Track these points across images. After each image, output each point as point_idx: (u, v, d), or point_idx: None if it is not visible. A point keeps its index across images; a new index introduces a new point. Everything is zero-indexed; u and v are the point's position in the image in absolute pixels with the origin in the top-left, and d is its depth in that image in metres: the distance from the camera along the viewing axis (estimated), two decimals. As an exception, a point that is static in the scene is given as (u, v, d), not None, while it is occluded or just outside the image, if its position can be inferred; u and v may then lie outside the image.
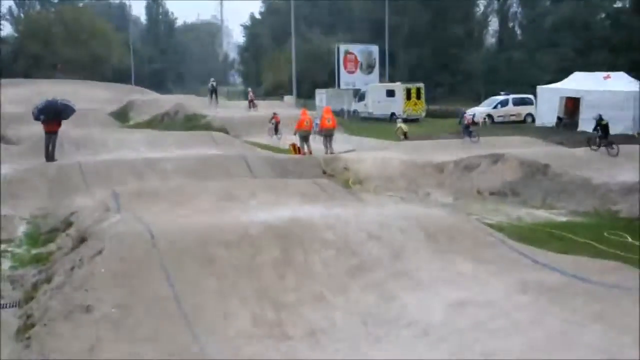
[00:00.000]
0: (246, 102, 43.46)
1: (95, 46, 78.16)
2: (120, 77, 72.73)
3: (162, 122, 39.93)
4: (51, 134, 19.38)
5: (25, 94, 49.87)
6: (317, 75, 68.24)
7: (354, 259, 9.55)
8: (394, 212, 11.60)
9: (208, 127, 33.78)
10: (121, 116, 44.52)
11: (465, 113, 29.94)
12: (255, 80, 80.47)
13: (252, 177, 18.29)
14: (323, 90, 54.25)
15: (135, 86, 66.32)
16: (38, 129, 20.11)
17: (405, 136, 30.41)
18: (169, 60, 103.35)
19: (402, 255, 9.72)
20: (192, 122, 36.76)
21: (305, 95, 40.32)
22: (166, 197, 13.54)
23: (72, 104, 20.19)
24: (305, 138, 23.17)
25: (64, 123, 20.02)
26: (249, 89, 46.81)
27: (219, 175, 17.99)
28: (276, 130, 31.25)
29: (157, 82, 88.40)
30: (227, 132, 31.04)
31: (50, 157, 19.20)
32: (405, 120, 45.83)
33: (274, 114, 32.39)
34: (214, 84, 45.49)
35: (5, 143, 25.98)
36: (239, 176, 18.17)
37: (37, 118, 19.46)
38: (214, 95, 44.26)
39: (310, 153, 22.64)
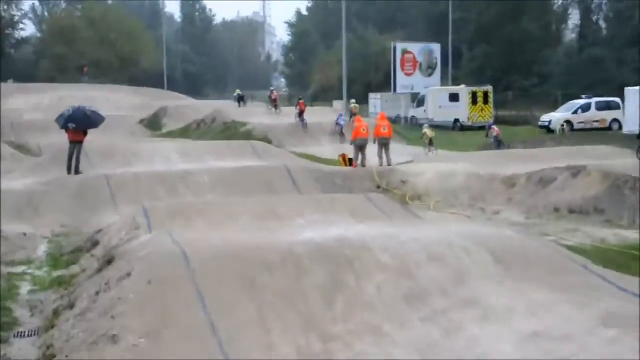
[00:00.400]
0: (294, 109, 44.07)
1: (124, 47, 79.83)
2: (151, 80, 74.15)
3: (197, 130, 40.60)
4: (75, 143, 19.88)
5: (48, 100, 51.39)
6: (370, 78, 68.38)
7: (412, 284, 9.47)
8: (457, 231, 11.47)
9: (248, 135, 34.21)
10: (152, 124, 45.42)
11: (492, 125, 32.49)
12: (301, 84, 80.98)
13: (296, 192, 18.37)
14: (377, 95, 54.36)
15: (168, 91, 67.52)
16: (61, 138, 20.65)
17: (431, 143, 30.50)
18: (205, 61, 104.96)
19: (467, 281, 9.60)
20: (231, 130, 37.25)
21: (357, 100, 40.49)
22: (201, 214, 13.69)
23: (101, 113, 20.82)
24: (361, 148, 23.20)
25: (90, 132, 20.53)
26: (271, 88, 48.56)
27: (260, 190, 18.16)
28: (300, 115, 37.43)
29: (192, 86, 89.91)
30: (269, 142, 31.41)
31: (74, 169, 19.67)
32: (470, 128, 45.63)
33: (299, 99, 38.68)
34: (240, 93, 49.57)
35: (25, 153, 26.75)
36: (281, 191, 18.29)
37: (64, 127, 19.94)
38: (241, 104, 48.24)
39: (363, 166, 22.65)
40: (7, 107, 45.54)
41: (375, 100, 53.29)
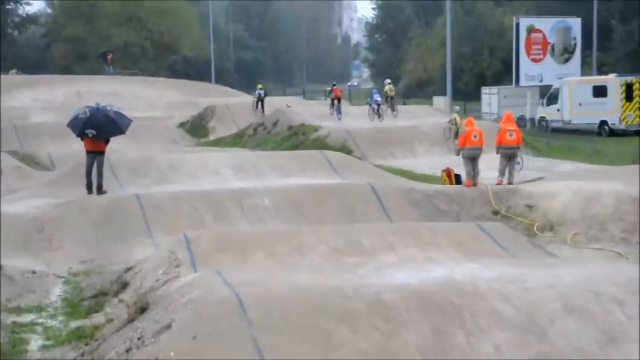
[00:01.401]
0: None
1: (159, 27, 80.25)
2: (195, 71, 75.43)
3: (254, 136, 41.05)
4: (95, 154, 20.29)
5: (62, 96, 52.75)
6: (483, 66, 67.88)
7: (543, 347, 9.40)
8: (605, 274, 11.32)
9: (321, 144, 34.36)
10: (196, 128, 46.10)
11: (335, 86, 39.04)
12: (390, 74, 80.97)
13: (385, 219, 18.40)
14: (493, 89, 53.95)
15: (217, 85, 68.35)
16: (80, 145, 21.06)
17: (457, 136, 30.07)
18: (264, 46, 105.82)
19: (621, 343, 9.47)
20: (299, 137, 37.51)
21: (465, 96, 40.18)
22: (261, 247, 13.87)
23: (127, 115, 21.12)
24: (472, 160, 22.96)
25: (115, 139, 20.94)
26: (333, 84, 47.55)
27: (337, 216, 18.29)
28: (333, 104, 41.93)
29: (248, 79, 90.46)
30: (349, 152, 31.53)
31: (97, 187, 20.13)
32: (623, 133, 44.56)
33: (333, 84, 42.89)
34: (262, 92, 48.38)
35: (33, 165, 27.35)
36: (366, 217, 18.35)
37: (80, 134, 20.26)
38: (259, 106, 47.39)
39: (475, 184, 22.48)
40: (10, 105, 46.87)
41: (490, 96, 52.92)
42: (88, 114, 20.28)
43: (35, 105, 49.18)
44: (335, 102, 42.46)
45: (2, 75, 55.40)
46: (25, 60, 75.94)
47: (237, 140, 41.32)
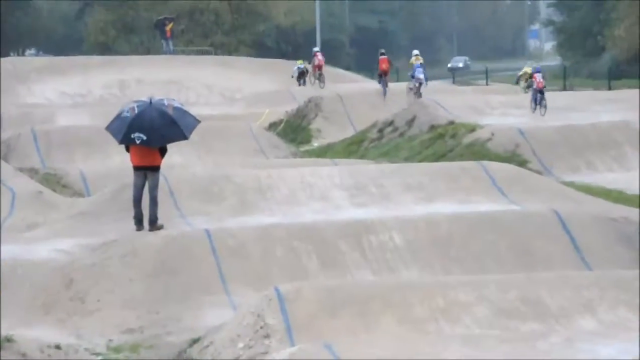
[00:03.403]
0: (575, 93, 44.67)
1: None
2: (293, 47, 75.78)
3: (378, 141, 40.83)
4: (146, 170, 20.45)
5: (100, 87, 53.35)
6: None
7: None
8: None
9: (481, 150, 34.09)
10: (294, 131, 46.27)
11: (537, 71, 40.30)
12: (589, 42, 79.80)
13: (580, 265, 18.16)
14: None
15: (325, 66, 68.66)
16: (124, 159, 21.19)
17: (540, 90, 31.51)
18: (395, 9, 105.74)
19: None
20: (446, 141, 37.23)
21: None
22: (391, 307, 13.81)
23: (191, 112, 21.22)
24: None
25: (176, 149, 21.06)
26: (381, 51, 52.44)
27: (505, 260, 18.14)
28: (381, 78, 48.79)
29: (370, 56, 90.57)
30: (522, 163, 31.14)
31: (149, 220, 20.26)
32: None
33: (381, 53, 50.07)
34: (302, 66, 55.08)
35: (59, 190, 27.69)
36: (549, 261, 18.15)
37: (124, 140, 20.44)
38: (301, 82, 54.78)
39: None
40: (27, 100, 47.74)
41: None
42: (136, 112, 20.13)
43: (63, 101, 49.67)
44: (379, 74, 48.28)
45: (17, 58, 56.49)
46: (48, 36, 77.11)
47: (354, 147, 41.08)
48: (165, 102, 20.72)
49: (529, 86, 43.52)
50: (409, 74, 48.57)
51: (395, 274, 17.73)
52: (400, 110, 42.68)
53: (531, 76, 43.48)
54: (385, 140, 40.58)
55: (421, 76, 46.89)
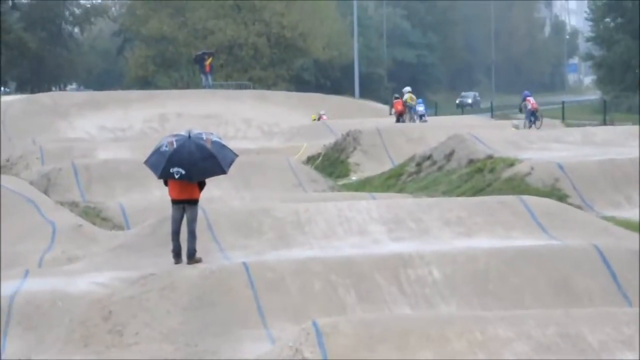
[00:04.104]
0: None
1: (281, 20, 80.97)
2: (330, 81, 75.92)
3: (416, 175, 40.84)
4: (185, 204, 20.48)
5: (141, 121, 53.62)
6: None
7: None
8: None
9: (520, 184, 33.98)
10: (332, 164, 46.30)
11: (527, 96, 50.12)
12: (628, 76, 79.54)
13: (622, 302, 18.05)
14: None
15: (362, 100, 68.56)
16: (163, 193, 21.19)
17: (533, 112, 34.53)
18: (434, 43, 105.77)
19: None
20: (485, 175, 37.18)
21: None
22: (429, 341, 13.77)
23: (229, 147, 21.22)
24: None
25: (214, 183, 21.02)
26: (526, 94, 53.77)
27: (544, 296, 18.10)
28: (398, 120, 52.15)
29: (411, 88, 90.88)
30: (562, 197, 31.01)
31: (187, 253, 20.29)
32: None
33: (395, 97, 55.69)
34: (323, 113, 56.00)
35: (99, 223, 27.80)
36: (590, 298, 18.04)
37: (163, 174, 20.45)
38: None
39: None
40: (67, 135, 47.96)
41: None
42: (175, 146, 20.18)
43: (103, 135, 50.14)
44: (397, 117, 52.44)
45: (58, 93, 56.92)
46: (89, 71, 77.69)
47: (392, 181, 41.07)
48: (204, 136, 20.63)
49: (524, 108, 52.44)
50: (412, 109, 54.03)
51: (433, 309, 17.68)
52: (439, 144, 42.59)
53: (524, 99, 53.05)
54: (424, 174, 40.53)
55: (421, 108, 53.19)
